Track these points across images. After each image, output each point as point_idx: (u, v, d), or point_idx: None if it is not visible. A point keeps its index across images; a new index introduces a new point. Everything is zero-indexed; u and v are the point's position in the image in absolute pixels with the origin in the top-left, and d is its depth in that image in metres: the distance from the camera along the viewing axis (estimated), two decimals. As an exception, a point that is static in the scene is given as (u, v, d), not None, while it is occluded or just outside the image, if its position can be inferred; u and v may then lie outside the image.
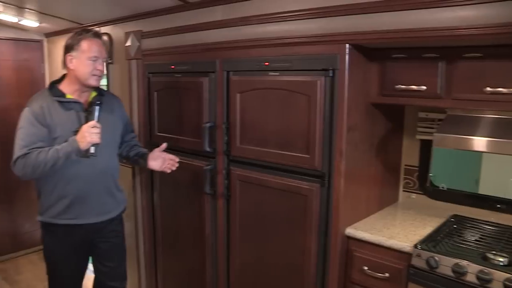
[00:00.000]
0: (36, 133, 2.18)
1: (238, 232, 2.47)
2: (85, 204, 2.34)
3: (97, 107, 2.23)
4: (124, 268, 2.67)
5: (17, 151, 2.16)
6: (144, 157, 2.57)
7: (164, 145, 2.55)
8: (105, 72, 2.41)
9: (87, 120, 2.23)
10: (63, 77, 2.35)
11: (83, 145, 2.14)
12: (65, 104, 2.26)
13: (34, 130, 2.18)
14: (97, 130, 2.16)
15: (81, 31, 2.30)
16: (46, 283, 2.56)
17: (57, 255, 2.40)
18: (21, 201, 4.41)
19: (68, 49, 2.27)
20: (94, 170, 2.33)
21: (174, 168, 2.55)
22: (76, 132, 2.19)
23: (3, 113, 4.21)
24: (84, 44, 2.24)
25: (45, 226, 2.39)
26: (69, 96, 2.28)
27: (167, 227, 3.01)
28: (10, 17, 3.72)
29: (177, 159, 2.55)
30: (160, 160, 2.54)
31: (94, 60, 2.25)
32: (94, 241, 2.47)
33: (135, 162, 2.66)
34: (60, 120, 2.22)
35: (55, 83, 2.33)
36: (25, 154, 2.13)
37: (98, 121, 2.20)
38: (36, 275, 4.15)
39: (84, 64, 2.24)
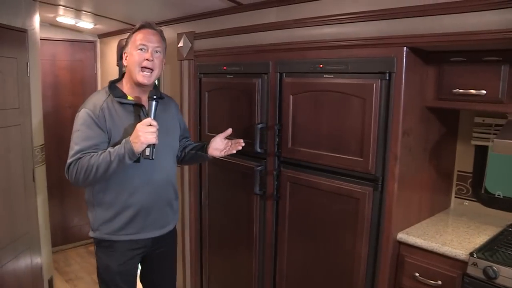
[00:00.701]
0: (93, 137, 1.95)
1: (287, 233, 2.47)
2: (149, 217, 2.12)
3: (153, 103, 1.96)
4: (174, 280, 2.47)
5: (71, 156, 1.94)
6: (203, 148, 2.30)
7: (230, 130, 2.29)
8: (159, 69, 2.11)
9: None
10: (122, 77, 2.16)
11: (137, 146, 1.86)
12: (126, 106, 2.04)
13: (91, 133, 1.95)
14: (153, 129, 1.88)
15: (137, 26, 2.10)
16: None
17: (114, 274, 2.12)
18: (71, 196, 4.58)
19: (123, 47, 2.11)
20: (161, 178, 2.13)
21: (240, 148, 2.25)
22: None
23: (58, 111, 4.40)
24: (134, 36, 2.05)
25: (99, 242, 2.13)
26: (130, 97, 2.06)
27: (214, 226, 3.05)
28: (68, 20, 3.88)
29: (241, 141, 2.26)
30: (222, 147, 2.27)
31: (141, 49, 2.01)
32: (148, 255, 2.25)
33: (192, 156, 2.36)
34: (121, 123, 2.00)
35: (114, 83, 2.13)
36: (79, 159, 1.91)
37: (155, 119, 1.93)
38: (84, 267, 4.31)
39: (133, 56, 2.01)
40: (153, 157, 1.91)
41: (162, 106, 2.12)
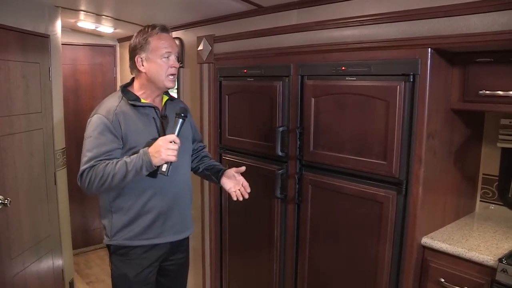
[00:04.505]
0: (106, 143, 1.91)
1: (308, 237, 2.45)
2: (168, 221, 2.09)
3: (180, 120, 1.92)
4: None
5: (83, 163, 1.90)
6: (217, 174, 2.27)
7: (243, 168, 2.23)
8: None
9: (163, 130, 2.03)
10: (132, 81, 2.12)
11: (156, 161, 1.84)
12: (140, 109, 2.01)
13: (104, 140, 1.91)
14: (175, 147, 1.85)
15: (146, 28, 2.03)
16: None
17: (131, 284, 2.07)
18: (91, 199, 4.62)
19: (136, 50, 2.01)
20: (179, 181, 2.11)
21: (241, 199, 2.24)
22: (154, 140, 1.92)
23: (78, 115, 4.46)
24: (154, 42, 1.98)
25: (116, 249, 2.08)
26: (144, 100, 2.04)
27: (234, 229, 3.04)
28: (89, 24, 3.93)
29: (249, 190, 2.24)
30: (234, 182, 2.23)
31: (167, 57, 1.99)
32: (164, 265, 2.21)
33: (205, 176, 2.37)
34: (136, 128, 1.97)
35: (126, 87, 2.09)
36: (92, 166, 1.87)
37: (178, 135, 1.90)
38: (104, 269, 4.35)
39: (158, 64, 1.98)
40: (168, 174, 1.89)
41: (175, 108, 2.08)
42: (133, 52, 2.02)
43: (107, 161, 1.88)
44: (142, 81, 2.05)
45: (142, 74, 2.03)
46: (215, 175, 2.29)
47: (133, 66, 2.04)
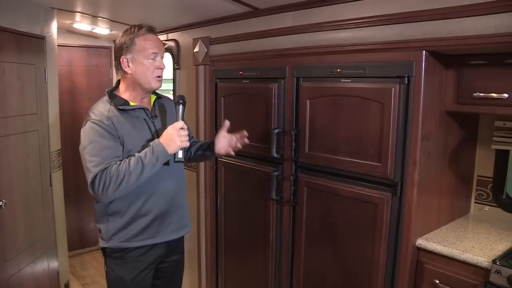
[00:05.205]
0: (111, 146, 1.87)
1: (304, 239, 2.46)
2: (165, 220, 2.07)
3: (180, 107, 1.96)
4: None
5: (92, 169, 1.82)
6: (208, 147, 2.27)
7: (227, 122, 2.23)
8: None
9: (156, 130, 2.02)
10: (118, 83, 2.07)
11: (172, 149, 1.86)
12: (131, 112, 1.97)
13: (107, 143, 1.86)
14: (185, 132, 1.89)
15: (132, 28, 1.98)
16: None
17: (127, 285, 2.04)
18: (87, 200, 4.61)
19: (121, 50, 1.96)
20: (174, 182, 2.09)
21: (242, 144, 2.24)
22: (150, 141, 1.93)
23: (74, 116, 4.45)
24: (140, 42, 1.94)
25: (111, 252, 2.04)
26: (132, 103, 1.99)
27: (230, 230, 3.04)
28: (85, 26, 3.93)
29: (246, 133, 2.24)
30: (226, 141, 2.21)
31: (153, 58, 1.96)
32: (160, 266, 2.19)
33: (198, 157, 2.35)
34: (129, 131, 1.94)
35: (112, 91, 2.03)
36: (104, 169, 1.81)
37: (183, 120, 1.94)
38: (100, 271, 4.33)
39: (144, 65, 1.95)
40: (184, 160, 1.95)
41: (164, 107, 2.13)
42: (119, 52, 1.98)
43: (118, 162, 1.84)
44: (128, 82, 2.01)
45: (128, 75, 1.99)
46: (207, 150, 2.29)
47: (118, 66, 2.00)
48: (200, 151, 2.32)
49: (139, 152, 1.88)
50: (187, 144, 1.89)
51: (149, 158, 1.84)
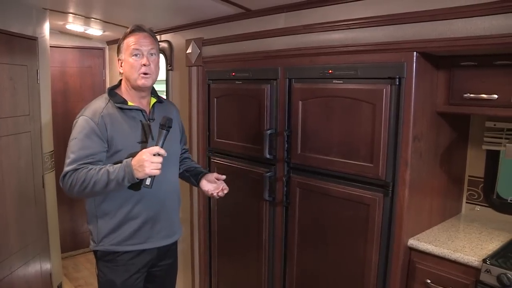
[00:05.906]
0: (90, 146, 1.88)
1: (297, 239, 2.46)
2: (156, 225, 2.07)
3: (164, 132, 1.88)
4: None
5: (67, 165, 1.88)
6: (197, 177, 2.27)
7: (223, 177, 2.24)
8: (157, 72, 2.06)
9: (149, 134, 1.99)
10: (120, 82, 2.11)
11: (139, 175, 1.79)
12: (127, 112, 1.99)
13: (88, 143, 1.87)
14: (159, 159, 1.80)
15: (126, 30, 2.03)
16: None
17: (117, 287, 2.04)
18: (80, 202, 4.55)
19: (117, 53, 2.05)
20: (166, 187, 2.08)
21: (221, 196, 2.25)
22: (141, 143, 1.95)
23: (67, 117, 4.41)
24: (125, 41, 1.99)
25: (103, 255, 2.04)
26: (131, 103, 2.01)
27: (223, 231, 3.04)
28: (78, 27, 3.92)
29: (227, 190, 2.24)
30: (214, 186, 2.21)
31: (136, 55, 1.96)
32: (152, 270, 2.18)
33: (184, 178, 2.35)
34: (122, 131, 1.95)
35: (113, 89, 2.07)
36: (75, 170, 1.84)
37: (162, 147, 1.85)
38: (93, 273, 4.30)
39: (129, 63, 1.97)
40: (152, 187, 1.85)
41: (164, 111, 2.10)
42: (117, 55, 2.06)
43: (90, 166, 1.85)
44: (124, 82, 2.05)
45: (123, 75, 2.04)
46: (194, 177, 2.28)
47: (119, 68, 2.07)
48: (188, 173, 2.33)
49: (120, 161, 1.87)
50: (156, 172, 1.80)
51: (116, 174, 1.81)
